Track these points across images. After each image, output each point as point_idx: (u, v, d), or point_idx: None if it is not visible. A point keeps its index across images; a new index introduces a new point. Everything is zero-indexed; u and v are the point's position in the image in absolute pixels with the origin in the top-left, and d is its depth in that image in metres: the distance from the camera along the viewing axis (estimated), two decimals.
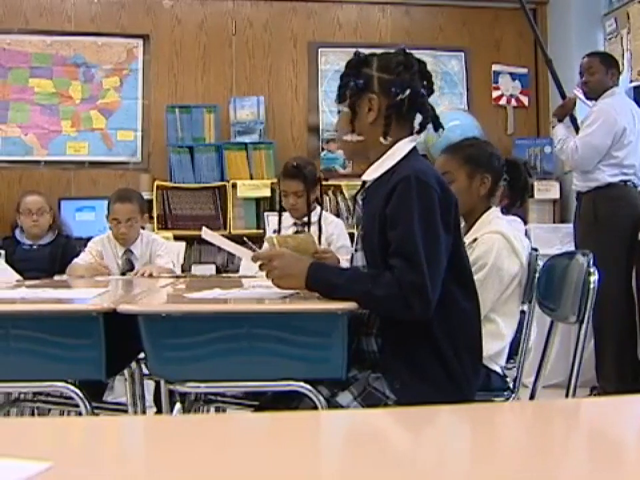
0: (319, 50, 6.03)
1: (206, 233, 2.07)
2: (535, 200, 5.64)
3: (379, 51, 2.04)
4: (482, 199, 2.50)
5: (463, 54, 6.19)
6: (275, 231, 3.91)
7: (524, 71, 6.28)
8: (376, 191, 1.95)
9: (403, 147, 1.97)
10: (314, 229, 3.84)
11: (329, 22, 6.08)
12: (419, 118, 2.01)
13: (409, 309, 1.76)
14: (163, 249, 3.89)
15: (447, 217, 1.85)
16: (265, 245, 3.96)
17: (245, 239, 2.41)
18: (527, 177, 2.64)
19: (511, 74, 6.26)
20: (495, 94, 6.23)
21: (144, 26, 5.90)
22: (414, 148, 1.99)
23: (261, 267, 1.91)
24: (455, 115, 5.73)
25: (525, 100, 6.27)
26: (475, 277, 2.21)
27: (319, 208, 3.89)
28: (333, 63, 5.99)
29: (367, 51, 2.04)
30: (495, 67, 6.23)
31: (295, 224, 3.86)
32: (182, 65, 5.92)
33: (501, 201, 2.66)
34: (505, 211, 2.70)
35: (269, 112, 5.85)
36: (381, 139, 1.96)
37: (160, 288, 2.64)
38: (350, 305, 1.76)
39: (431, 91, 2.00)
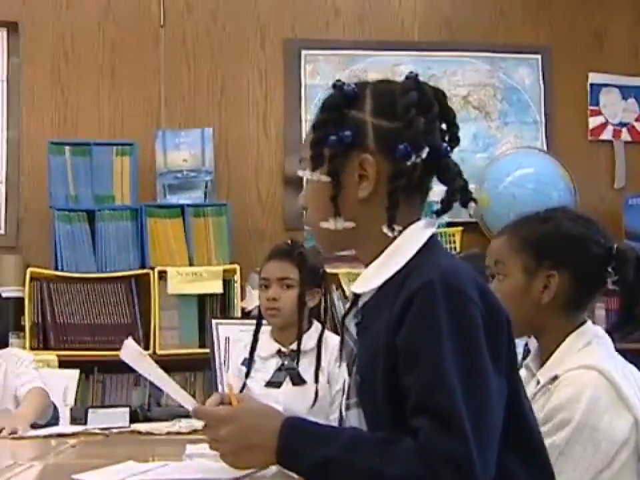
0: (302, 52, 6.16)
1: (128, 352, 1.98)
2: None
3: (379, 74, 2.08)
4: (552, 311, 2.49)
5: (538, 57, 6.32)
6: (245, 361, 3.89)
7: None
8: (377, 309, 1.96)
9: (414, 237, 1.98)
10: (309, 360, 3.81)
11: (318, 7, 6.21)
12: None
13: None
14: (25, 365, 3.99)
15: (496, 346, 1.86)
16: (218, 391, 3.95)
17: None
18: None
19: (620, 88, 6.38)
20: (594, 122, 6.34)
21: (11, 8, 5.98)
22: (433, 237, 2.01)
23: (204, 431, 1.93)
24: (525, 159, 5.85)
25: None
26: (549, 441, 2.21)
27: (317, 325, 3.89)
28: (324, 73, 6.11)
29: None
30: (592, 77, 6.35)
31: (279, 352, 3.85)
32: (76, 73, 6.01)
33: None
34: (612, 329, 2.64)
35: (219, 154, 5.93)
36: (384, 228, 1.97)
37: (31, 460, 2.65)
38: None
39: (456, 142, 2.05)
